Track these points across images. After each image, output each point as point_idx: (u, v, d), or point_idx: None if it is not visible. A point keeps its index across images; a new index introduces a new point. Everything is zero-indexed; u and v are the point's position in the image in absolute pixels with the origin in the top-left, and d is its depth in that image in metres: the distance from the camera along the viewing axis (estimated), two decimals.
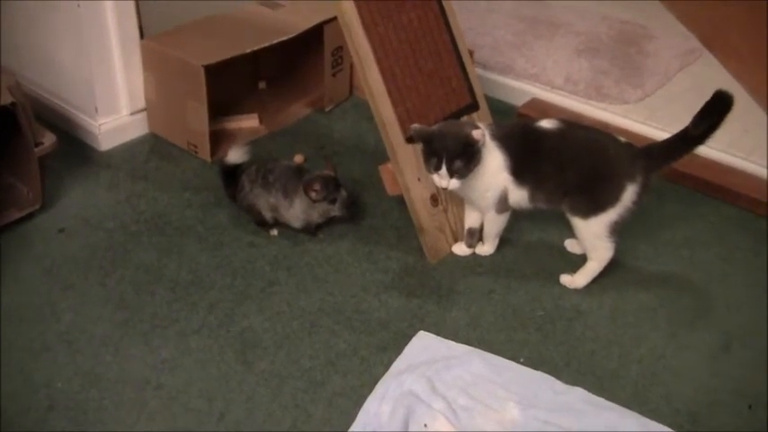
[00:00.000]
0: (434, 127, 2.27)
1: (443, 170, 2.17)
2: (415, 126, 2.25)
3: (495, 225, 2.43)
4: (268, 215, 2.51)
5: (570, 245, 2.53)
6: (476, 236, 2.49)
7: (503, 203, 2.33)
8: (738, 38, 3.47)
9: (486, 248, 2.50)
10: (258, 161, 2.57)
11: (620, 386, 2.07)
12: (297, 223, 2.51)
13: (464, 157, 2.16)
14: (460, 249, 2.50)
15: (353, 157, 2.94)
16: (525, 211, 2.37)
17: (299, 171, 2.52)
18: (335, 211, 2.49)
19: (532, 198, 2.31)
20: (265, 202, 2.49)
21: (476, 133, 2.15)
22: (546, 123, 2.27)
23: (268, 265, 2.41)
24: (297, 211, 2.47)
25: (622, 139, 2.28)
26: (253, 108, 3.18)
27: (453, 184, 2.20)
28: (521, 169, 2.27)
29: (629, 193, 2.21)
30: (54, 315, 2.19)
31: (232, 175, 2.59)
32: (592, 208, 2.25)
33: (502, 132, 2.28)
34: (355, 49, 2.34)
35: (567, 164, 2.24)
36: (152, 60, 2.86)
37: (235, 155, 2.59)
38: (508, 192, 2.30)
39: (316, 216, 2.49)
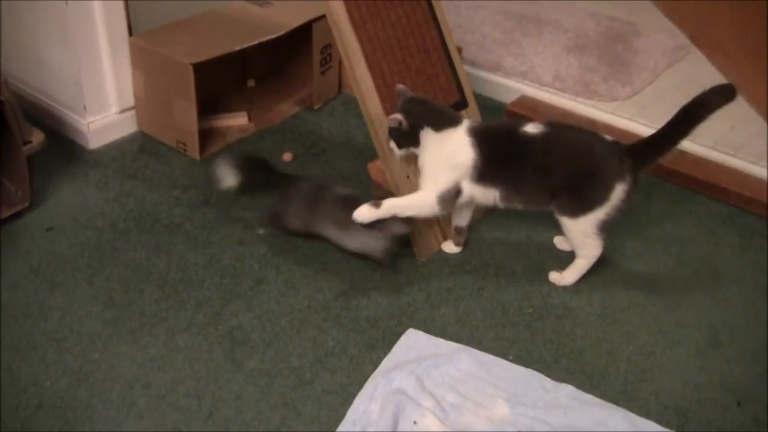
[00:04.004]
0: (410, 94, 2.33)
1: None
2: (401, 86, 2.34)
3: (416, 205, 2.30)
4: (297, 227, 2.48)
5: (559, 242, 2.54)
6: (463, 234, 2.49)
7: (448, 202, 2.29)
8: (726, 34, 3.48)
9: (371, 211, 2.27)
10: (308, 179, 2.52)
11: (609, 383, 2.08)
12: (378, 253, 2.39)
13: (397, 131, 2.26)
14: (449, 247, 2.50)
15: (342, 155, 2.94)
16: (500, 209, 2.36)
17: (349, 199, 2.35)
18: (397, 227, 2.32)
19: (505, 198, 2.30)
20: (315, 228, 2.42)
21: (390, 119, 2.24)
22: (531, 128, 2.26)
23: (257, 263, 2.41)
24: (368, 240, 2.36)
25: (609, 137, 2.28)
26: (242, 106, 3.18)
27: (395, 149, 2.31)
28: (492, 170, 2.26)
29: (618, 192, 2.21)
30: (42, 313, 2.19)
31: (256, 166, 2.57)
32: (580, 207, 2.26)
33: (483, 131, 2.29)
34: (344, 47, 2.34)
35: (554, 166, 2.24)
36: (141, 58, 2.85)
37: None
38: (464, 190, 2.28)
39: (384, 240, 2.35)
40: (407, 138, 2.26)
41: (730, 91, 2.17)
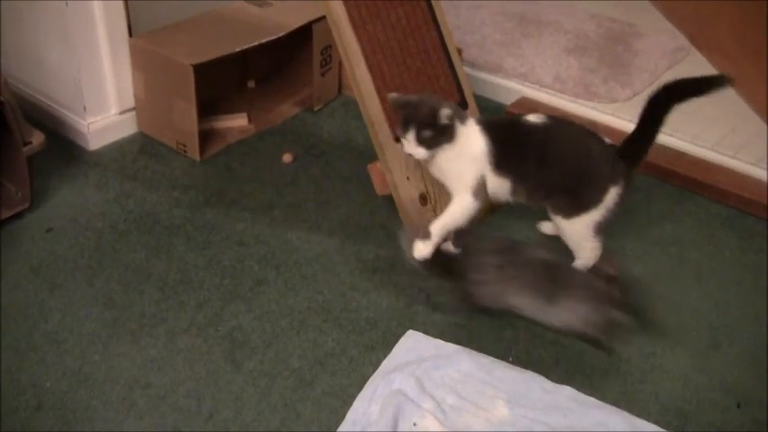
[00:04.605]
0: (412, 96, 2.28)
1: (412, 137, 2.18)
2: (392, 95, 2.27)
3: (460, 213, 2.28)
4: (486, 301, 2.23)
5: (544, 227, 2.53)
6: None
7: (482, 192, 2.29)
8: (726, 34, 3.47)
9: (426, 244, 2.25)
10: (494, 240, 2.30)
11: (609, 385, 2.08)
12: (592, 329, 2.16)
13: (432, 129, 2.17)
14: (449, 248, 2.50)
15: (342, 156, 2.94)
16: (506, 204, 2.36)
17: (551, 265, 2.19)
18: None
19: (514, 192, 2.30)
20: (509, 301, 2.18)
21: (443, 111, 2.15)
22: (533, 118, 2.27)
23: (257, 263, 2.41)
24: (581, 314, 2.15)
25: (608, 140, 2.28)
26: (242, 107, 3.17)
27: (420, 153, 2.19)
28: (504, 159, 2.26)
29: (612, 195, 2.22)
30: (42, 314, 2.19)
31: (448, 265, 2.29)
32: (574, 208, 2.26)
33: (490, 121, 2.30)
34: (344, 48, 2.34)
35: (551, 163, 2.24)
36: (141, 59, 2.85)
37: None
38: (486, 180, 2.29)
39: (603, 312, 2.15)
40: (446, 132, 2.19)
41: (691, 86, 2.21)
